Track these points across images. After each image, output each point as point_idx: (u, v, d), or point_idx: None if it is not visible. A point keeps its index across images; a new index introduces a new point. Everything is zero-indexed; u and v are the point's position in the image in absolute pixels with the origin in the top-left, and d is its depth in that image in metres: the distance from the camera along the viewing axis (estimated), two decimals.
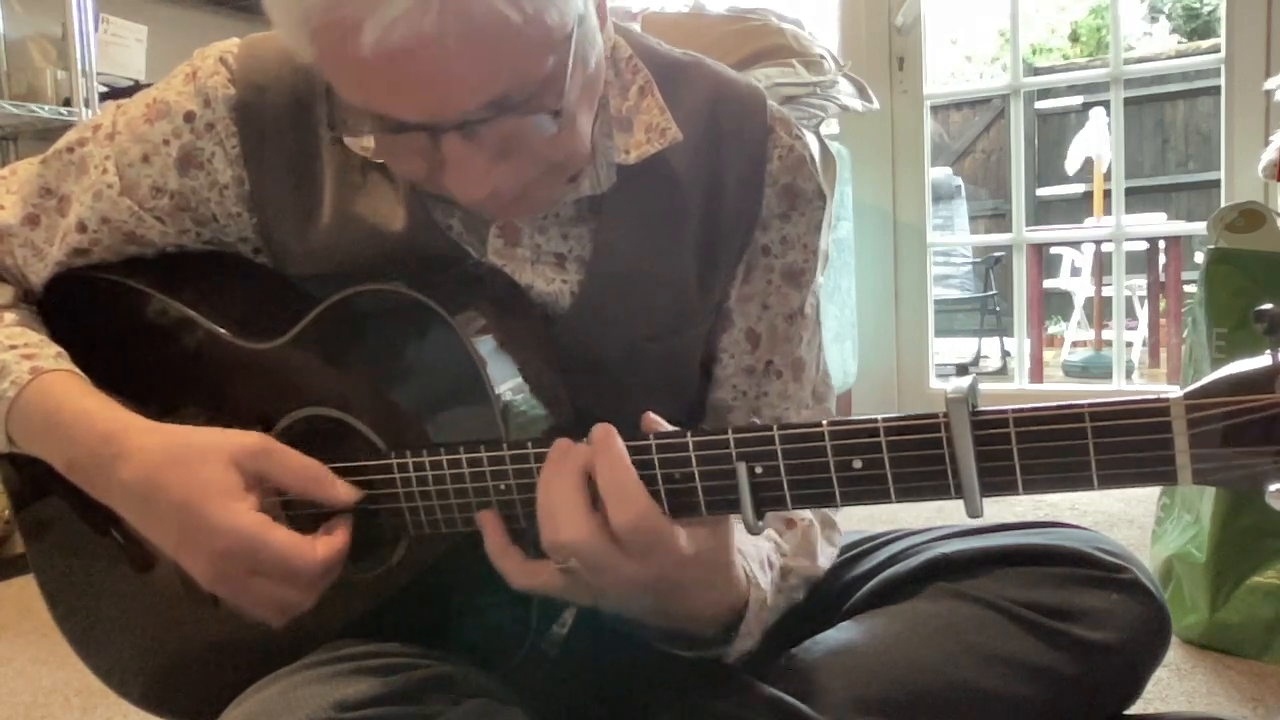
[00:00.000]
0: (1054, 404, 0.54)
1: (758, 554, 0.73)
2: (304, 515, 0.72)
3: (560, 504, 0.61)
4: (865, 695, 0.73)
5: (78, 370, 0.76)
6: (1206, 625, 1.33)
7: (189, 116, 0.77)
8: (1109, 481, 0.53)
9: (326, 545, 0.68)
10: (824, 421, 0.58)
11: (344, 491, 0.69)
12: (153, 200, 0.78)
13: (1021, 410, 0.54)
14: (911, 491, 0.57)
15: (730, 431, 0.60)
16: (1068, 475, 0.54)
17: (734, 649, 0.72)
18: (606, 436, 0.61)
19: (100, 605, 0.85)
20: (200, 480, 0.66)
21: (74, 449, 0.71)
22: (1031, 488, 0.55)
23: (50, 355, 0.75)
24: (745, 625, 0.71)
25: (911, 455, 0.57)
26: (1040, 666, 0.74)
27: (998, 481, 0.55)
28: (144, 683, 0.86)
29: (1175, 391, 0.52)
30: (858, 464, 0.58)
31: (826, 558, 0.83)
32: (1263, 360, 0.50)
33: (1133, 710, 0.80)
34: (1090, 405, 0.53)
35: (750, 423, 0.61)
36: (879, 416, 0.57)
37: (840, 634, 0.78)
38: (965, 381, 0.55)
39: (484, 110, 0.60)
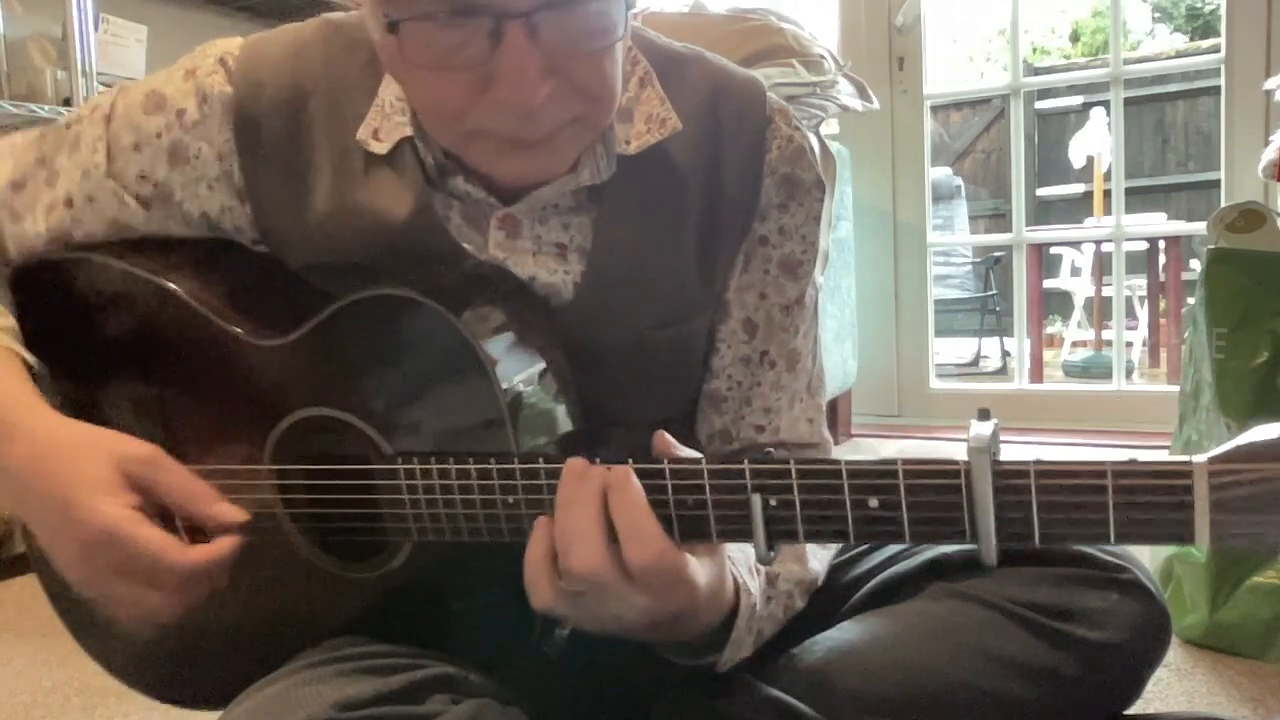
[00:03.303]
0: (1076, 461, 0.54)
1: (746, 560, 0.73)
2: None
3: (575, 532, 0.60)
4: (865, 695, 0.73)
5: (16, 348, 0.75)
6: (1206, 625, 1.33)
7: (180, 113, 0.78)
8: (1126, 539, 0.54)
9: (202, 551, 0.67)
10: (842, 461, 0.58)
11: (226, 512, 0.69)
12: (137, 186, 0.79)
13: (1043, 464, 0.54)
14: (926, 535, 0.57)
15: (746, 462, 0.60)
16: (1085, 531, 0.54)
17: (726, 656, 0.72)
18: (625, 475, 0.61)
19: None
20: (79, 472, 0.66)
21: None
22: (1047, 540, 0.55)
23: None
24: (736, 632, 0.71)
25: (929, 500, 0.57)
26: (1040, 666, 0.74)
27: (1014, 532, 0.55)
28: (146, 670, 0.86)
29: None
30: (874, 503, 0.58)
31: (820, 561, 0.83)
32: None
33: (1133, 710, 0.80)
34: (1113, 465, 0.53)
35: (765, 454, 0.61)
36: (898, 459, 0.57)
37: (840, 634, 0.78)
38: (987, 428, 0.55)
39: None
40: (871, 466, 0.58)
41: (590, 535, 0.60)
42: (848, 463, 0.58)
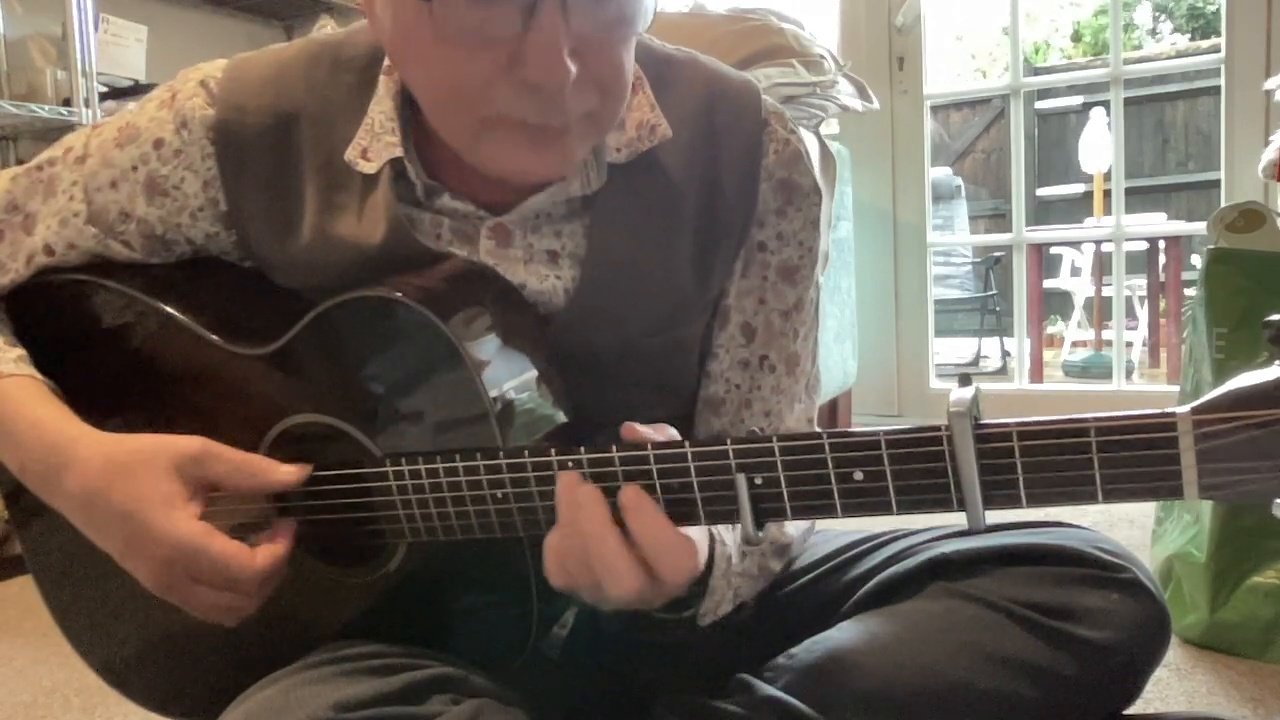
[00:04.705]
0: (1058, 418, 0.53)
1: None
2: (250, 531, 0.72)
3: (610, 566, 0.61)
4: (865, 695, 0.73)
5: (38, 375, 0.77)
6: (1206, 625, 1.33)
7: (158, 144, 0.78)
8: (1114, 496, 0.53)
9: (266, 553, 0.69)
10: (824, 433, 0.58)
11: (285, 472, 0.71)
12: (121, 225, 0.79)
13: (1025, 424, 0.54)
14: (913, 504, 0.57)
15: (729, 442, 0.60)
16: (1072, 489, 0.53)
17: (706, 607, 0.72)
18: (636, 496, 0.61)
19: (97, 599, 0.85)
20: (141, 489, 0.68)
21: (25, 456, 0.73)
22: (1035, 501, 0.55)
23: (10, 360, 0.76)
24: (713, 580, 0.71)
25: (913, 468, 0.56)
26: (1040, 666, 0.74)
27: (1000, 495, 0.55)
28: (143, 679, 0.86)
29: (1176, 403, 0.51)
30: (859, 476, 0.57)
31: (795, 527, 0.84)
32: (1270, 373, 0.49)
33: (1133, 710, 0.80)
34: (1095, 420, 0.52)
35: (749, 432, 0.61)
36: (880, 429, 0.57)
37: (840, 634, 0.78)
38: (968, 393, 0.54)
39: None
40: (854, 439, 0.57)
41: (624, 569, 0.61)
42: (830, 434, 0.58)
